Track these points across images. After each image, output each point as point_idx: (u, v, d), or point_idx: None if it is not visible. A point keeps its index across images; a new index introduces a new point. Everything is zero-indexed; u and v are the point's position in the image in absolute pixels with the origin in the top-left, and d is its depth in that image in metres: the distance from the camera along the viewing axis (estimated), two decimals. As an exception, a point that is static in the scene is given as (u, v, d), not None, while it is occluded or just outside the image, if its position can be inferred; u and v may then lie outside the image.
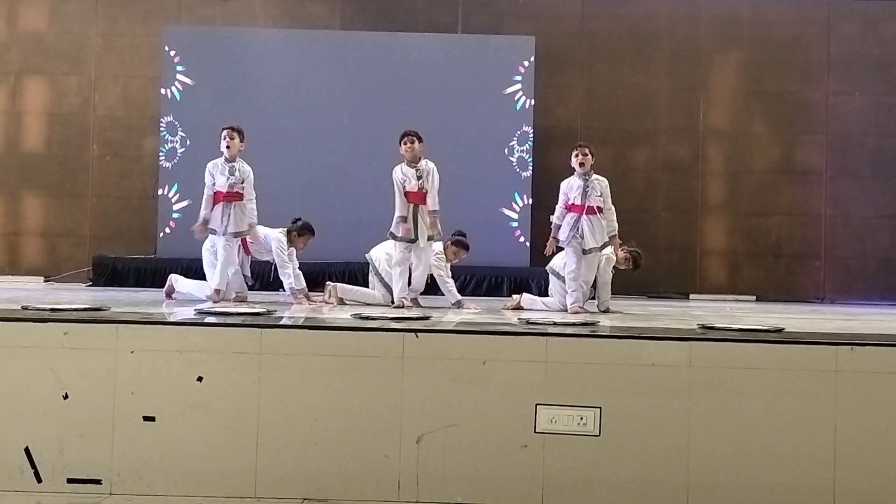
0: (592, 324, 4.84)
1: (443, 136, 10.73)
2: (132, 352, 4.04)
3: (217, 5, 11.71)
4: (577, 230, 7.00)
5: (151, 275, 9.73)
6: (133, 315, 4.81)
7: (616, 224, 7.16)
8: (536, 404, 3.97)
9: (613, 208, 7.16)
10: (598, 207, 7.02)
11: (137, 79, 11.70)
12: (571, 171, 7.16)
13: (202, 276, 7.56)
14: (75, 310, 4.96)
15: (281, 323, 4.44)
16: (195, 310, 5.18)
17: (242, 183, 7.21)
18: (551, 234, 7.15)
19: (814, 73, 11.72)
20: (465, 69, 11.23)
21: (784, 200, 11.66)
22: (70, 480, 3.98)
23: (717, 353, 4.04)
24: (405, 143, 7.14)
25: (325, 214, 10.59)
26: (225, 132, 7.25)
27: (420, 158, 7.15)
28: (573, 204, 7.06)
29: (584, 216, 7.01)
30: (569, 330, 4.43)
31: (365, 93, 11.15)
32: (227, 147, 7.21)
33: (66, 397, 4.01)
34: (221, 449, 4.00)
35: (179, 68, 11.16)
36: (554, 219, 7.16)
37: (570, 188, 7.12)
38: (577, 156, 7.13)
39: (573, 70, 11.74)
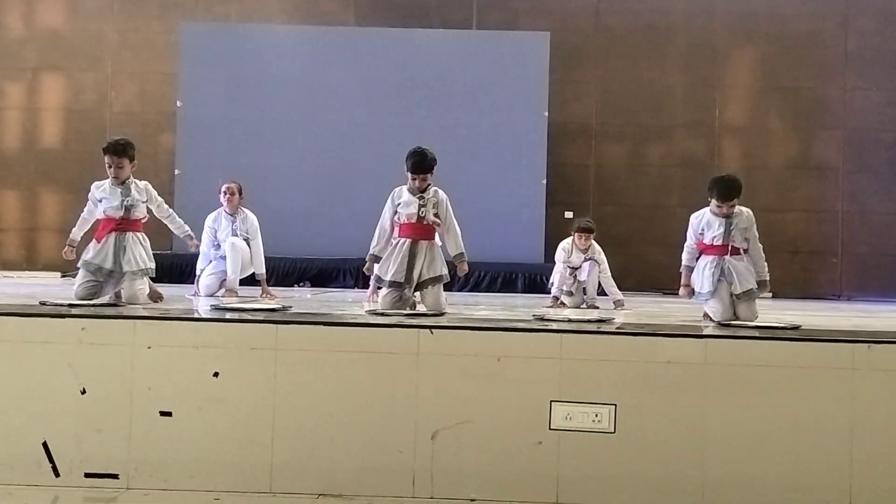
0: (607, 321, 4.83)
1: (457, 133, 10.76)
2: (149, 347, 4.06)
3: (232, 2, 11.77)
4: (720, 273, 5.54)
5: (168, 270, 9.77)
6: (150, 311, 4.84)
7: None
8: (551, 401, 3.97)
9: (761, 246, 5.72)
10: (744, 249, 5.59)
11: (154, 75, 11.76)
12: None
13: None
14: (93, 305, 5.00)
15: (296, 319, 4.45)
16: (211, 306, 5.20)
17: (146, 202, 5.84)
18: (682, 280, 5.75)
19: (831, 69, 11.65)
20: (480, 65, 11.23)
21: (800, 196, 11.61)
22: (88, 475, 4.01)
23: (732, 351, 4.02)
24: (415, 180, 5.57)
25: (339, 210, 10.67)
26: (108, 158, 5.76)
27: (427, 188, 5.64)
28: (709, 244, 5.60)
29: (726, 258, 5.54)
30: (584, 327, 4.42)
31: (379, 89, 11.17)
32: (120, 168, 5.74)
33: (83, 392, 4.04)
34: (237, 444, 4.02)
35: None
36: (684, 260, 5.76)
37: (703, 224, 5.63)
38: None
39: (588, 66, 11.72)
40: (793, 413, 3.93)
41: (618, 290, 7.40)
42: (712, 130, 11.70)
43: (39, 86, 11.85)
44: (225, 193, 7.51)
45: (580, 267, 7.36)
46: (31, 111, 11.84)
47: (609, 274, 7.41)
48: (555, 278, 7.45)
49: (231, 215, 7.52)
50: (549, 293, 7.62)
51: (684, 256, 5.75)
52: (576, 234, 7.37)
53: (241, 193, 7.58)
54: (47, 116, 11.84)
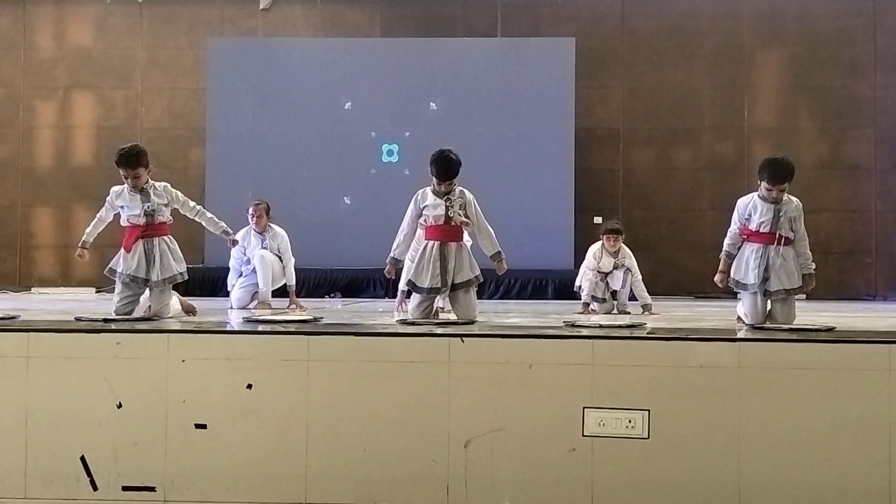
0: (639, 326, 4.80)
1: (485, 141, 10.76)
2: (183, 360, 4.10)
3: (259, 17, 11.86)
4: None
5: (200, 283, 9.87)
6: (183, 324, 4.89)
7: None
8: (584, 407, 3.96)
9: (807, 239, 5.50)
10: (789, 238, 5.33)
11: (182, 91, 11.89)
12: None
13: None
14: (127, 320, 5.05)
15: (328, 330, 4.47)
16: (244, 318, 5.25)
17: (167, 205, 5.70)
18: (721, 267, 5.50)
19: (860, 67, 11.52)
20: (506, 73, 11.23)
21: (833, 196, 11.48)
22: (125, 488, 4.05)
23: (766, 354, 3.99)
24: (441, 185, 5.50)
25: (367, 220, 10.70)
26: (123, 171, 5.68)
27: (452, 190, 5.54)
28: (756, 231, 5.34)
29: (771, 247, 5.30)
30: (615, 332, 4.40)
31: (406, 99, 11.21)
32: (137, 178, 5.63)
33: (119, 406, 4.08)
34: (271, 455, 4.04)
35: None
36: (725, 246, 5.49)
37: (750, 208, 5.36)
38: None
39: (614, 70, 11.68)
40: (829, 416, 3.89)
41: (647, 295, 7.36)
42: (741, 132, 11.61)
43: (71, 104, 12.02)
44: (253, 215, 7.61)
45: (611, 273, 7.32)
46: (62, 129, 12.00)
47: (640, 278, 7.37)
48: (583, 284, 7.40)
49: (260, 233, 7.61)
50: (580, 299, 7.58)
51: (726, 242, 5.46)
52: (604, 237, 7.32)
53: (268, 214, 7.67)
54: (79, 134, 12.01)
